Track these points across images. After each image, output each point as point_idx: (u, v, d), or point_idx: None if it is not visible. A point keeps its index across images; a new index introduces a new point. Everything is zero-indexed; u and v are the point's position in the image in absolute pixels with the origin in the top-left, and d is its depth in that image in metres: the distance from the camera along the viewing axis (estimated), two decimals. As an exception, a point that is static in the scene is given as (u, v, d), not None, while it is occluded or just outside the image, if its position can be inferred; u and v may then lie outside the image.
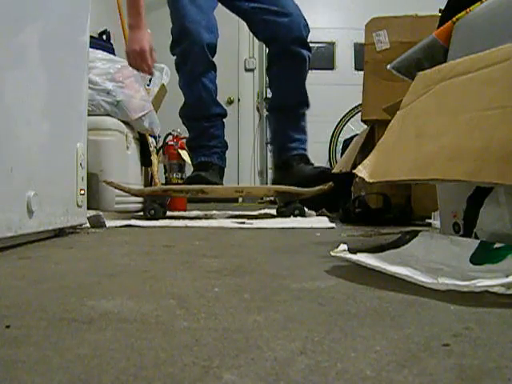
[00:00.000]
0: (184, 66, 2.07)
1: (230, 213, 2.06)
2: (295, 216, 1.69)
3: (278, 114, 2.14)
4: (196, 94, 2.09)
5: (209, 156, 2.00)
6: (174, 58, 2.14)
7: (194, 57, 2.02)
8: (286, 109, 2.09)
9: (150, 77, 2.43)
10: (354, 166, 1.22)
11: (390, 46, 1.68)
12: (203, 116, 2.09)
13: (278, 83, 2.12)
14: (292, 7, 2.05)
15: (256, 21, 2.07)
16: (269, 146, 4.73)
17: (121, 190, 1.72)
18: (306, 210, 1.76)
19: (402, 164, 0.67)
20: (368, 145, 1.82)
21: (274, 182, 2.12)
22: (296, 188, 1.76)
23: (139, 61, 1.77)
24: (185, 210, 2.32)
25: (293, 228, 1.37)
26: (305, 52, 2.03)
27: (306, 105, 2.12)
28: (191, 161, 2.21)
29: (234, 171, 4.26)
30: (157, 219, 1.63)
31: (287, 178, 1.91)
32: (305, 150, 2.10)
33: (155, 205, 1.71)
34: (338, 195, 1.78)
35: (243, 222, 1.53)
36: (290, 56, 2.00)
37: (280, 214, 1.77)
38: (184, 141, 2.44)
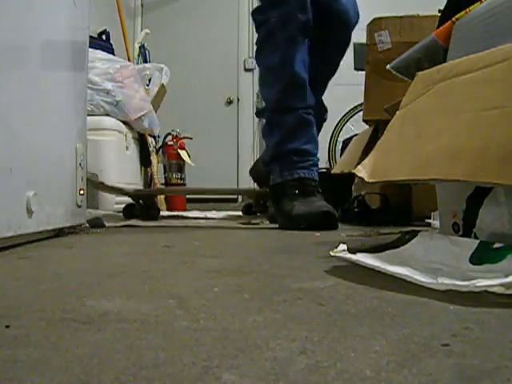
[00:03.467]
0: (280, 35, 1.43)
1: (230, 213, 2.06)
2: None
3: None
4: (293, 74, 1.44)
5: (308, 169, 1.36)
6: (260, 25, 1.51)
7: (297, 25, 1.41)
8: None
9: (149, 77, 2.43)
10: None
11: (392, 46, 1.68)
12: (299, 107, 1.44)
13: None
14: None
15: None
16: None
17: (103, 190, 1.66)
18: None
19: (401, 164, 0.67)
20: (372, 145, 1.81)
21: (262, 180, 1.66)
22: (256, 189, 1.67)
23: None
24: (184, 210, 2.32)
25: (293, 228, 1.37)
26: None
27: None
28: (270, 177, 1.47)
29: (233, 172, 4.26)
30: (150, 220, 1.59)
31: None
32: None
33: (145, 205, 1.63)
34: (338, 195, 1.78)
35: (243, 222, 1.53)
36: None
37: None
38: (183, 141, 2.42)
